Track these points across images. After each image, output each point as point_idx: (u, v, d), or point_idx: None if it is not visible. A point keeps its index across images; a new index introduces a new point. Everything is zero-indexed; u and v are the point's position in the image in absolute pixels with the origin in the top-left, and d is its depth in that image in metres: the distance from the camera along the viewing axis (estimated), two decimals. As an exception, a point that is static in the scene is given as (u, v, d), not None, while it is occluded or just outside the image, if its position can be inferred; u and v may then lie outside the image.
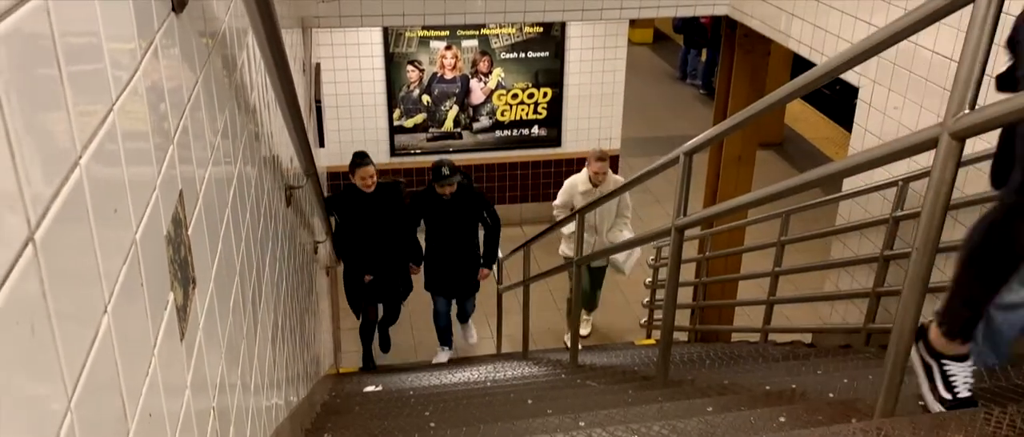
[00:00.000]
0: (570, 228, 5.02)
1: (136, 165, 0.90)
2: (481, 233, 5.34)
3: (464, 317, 5.84)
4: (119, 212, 0.82)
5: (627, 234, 5.42)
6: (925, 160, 3.06)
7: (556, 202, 5.58)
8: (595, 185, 5.32)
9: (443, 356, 5.79)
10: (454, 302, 5.69)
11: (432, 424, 2.73)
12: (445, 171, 4.91)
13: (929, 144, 1.62)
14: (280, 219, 2.51)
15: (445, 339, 5.80)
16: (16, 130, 0.59)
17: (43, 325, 0.61)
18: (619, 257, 5.55)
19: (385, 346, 5.75)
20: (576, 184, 5.42)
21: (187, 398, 1.09)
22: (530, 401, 3.14)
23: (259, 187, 2.05)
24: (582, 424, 2.42)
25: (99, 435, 0.73)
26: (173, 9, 1.14)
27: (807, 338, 4.49)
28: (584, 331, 6.03)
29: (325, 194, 4.78)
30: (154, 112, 1.00)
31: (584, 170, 5.43)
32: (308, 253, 3.58)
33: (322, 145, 5.59)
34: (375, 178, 4.82)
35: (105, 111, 0.80)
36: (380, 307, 5.50)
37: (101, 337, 0.74)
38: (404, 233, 5.18)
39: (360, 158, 4.83)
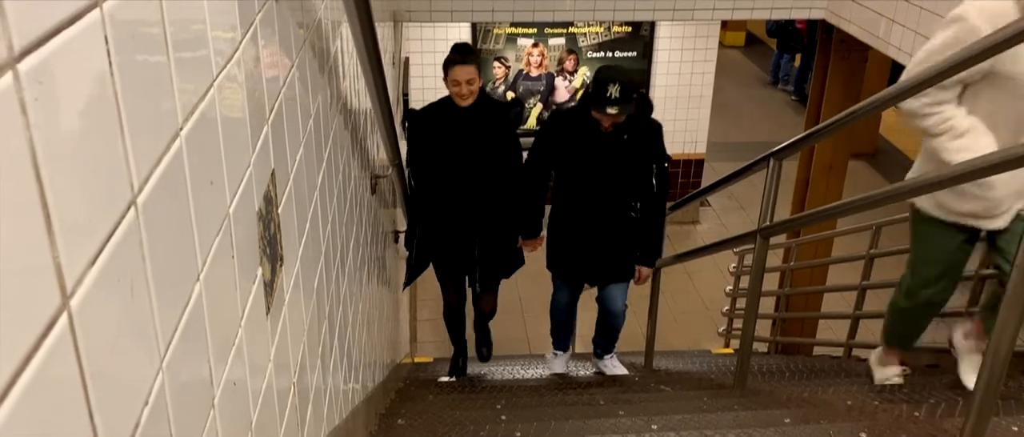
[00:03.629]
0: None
1: (232, 142, 0.93)
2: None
3: (609, 335, 4.01)
4: (215, 184, 0.86)
5: None
6: (1030, 176, 2.91)
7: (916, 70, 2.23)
8: None
9: (558, 363, 4.24)
10: (596, 300, 3.89)
11: (503, 417, 2.75)
12: (612, 92, 3.04)
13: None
14: (365, 206, 2.56)
15: (561, 339, 4.19)
16: (125, 99, 0.61)
17: (141, 286, 0.64)
18: None
19: (484, 349, 4.23)
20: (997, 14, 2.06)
21: (270, 372, 1.12)
22: (602, 402, 3.12)
23: (346, 173, 2.10)
24: (655, 427, 2.39)
25: (186, 396, 0.76)
26: (273, -6, 1.17)
27: (893, 356, 4.33)
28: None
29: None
30: (251, 92, 1.03)
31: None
32: (389, 241, 3.64)
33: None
34: (476, 85, 3.29)
35: (206, 87, 0.84)
36: (465, 288, 3.92)
37: (193, 303, 0.77)
38: (513, 182, 3.50)
39: (460, 52, 3.32)
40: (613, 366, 4.18)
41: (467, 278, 3.84)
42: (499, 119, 3.49)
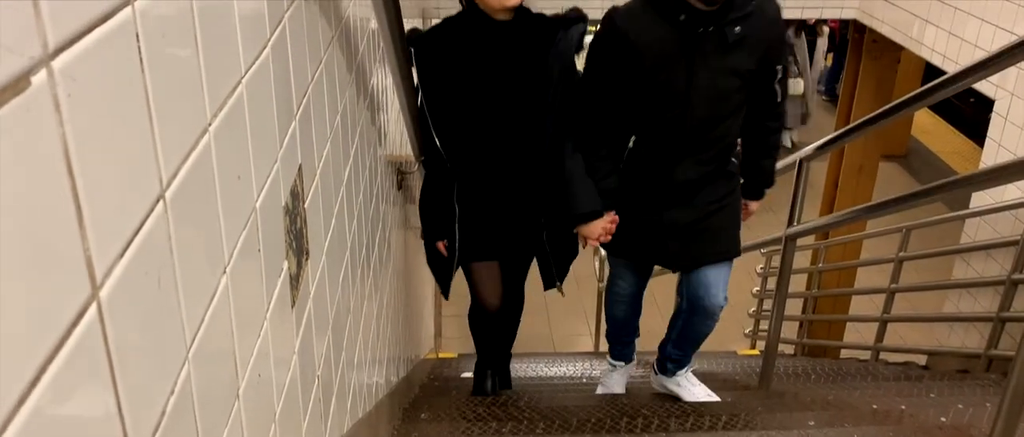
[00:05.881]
0: None
1: (260, 137, 0.94)
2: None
3: (691, 343, 2.83)
4: (242, 179, 0.87)
5: None
6: (1064, 180, 2.86)
7: None
8: None
9: (616, 379, 3.11)
10: (679, 293, 2.73)
11: (526, 414, 2.75)
12: None
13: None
14: (391, 202, 2.57)
15: (623, 345, 3.04)
16: (155, 95, 0.63)
17: (168, 279, 0.66)
18: None
19: (501, 377, 3.27)
20: None
21: (294, 364, 1.13)
22: (625, 401, 3.11)
23: (373, 169, 2.11)
24: (675, 427, 2.39)
25: (212, 387, 0.77)
26: (302, -9, 1.18)
27: (921, 360, 4.29)
28: None
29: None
30: (280, 88, 1.05)
31: None
32: (414, 237, 3.66)
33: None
34: None
35: (234, 83, 0.85)
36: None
37: (219, 296, 0.79)
38: (560, 121, 2.42)
39: None
40: (691, 386, 2.97)
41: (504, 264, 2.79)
42: (553, 41, 2.37)
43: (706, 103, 2.23)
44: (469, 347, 5.51)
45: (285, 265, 1.07)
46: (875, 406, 2.65)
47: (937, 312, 4.39)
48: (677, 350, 2.90)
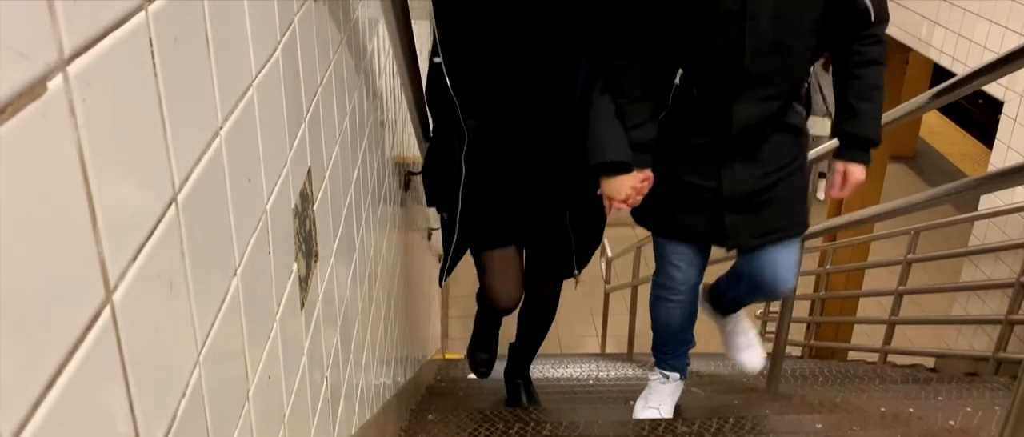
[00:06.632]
0: None
1: (270, 139, 0.95)
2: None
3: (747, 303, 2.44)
4: (252, 182, 0.87)
5: None
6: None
7: None
8: None
9: (665, 396, 2.47)
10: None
11: (533, 415, 2.75)
12: None
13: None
14: (398, 203, 2.58)
15: (674, 352, 2.44)
16: (167, 99, 0.63)
17: (180, 281, 0.66)
18: None
19: (524, 391, 2.91)
20: None
21: (303, 366, 1.14)
22: (631, 402, 3.11)
23: (381, 171, 2.12)
24: (682, 429, 2.39)
25: (223, 388, 0.77)
26: (312, -6, 1.19)
27: (929, 362, 4.28)
28: None
29: None
30: (289, 90, 1.05)
31: None
32: (422, 238, 3.67)
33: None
34: None
35: (245, 86, 0.85)
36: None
37: (230, 298, 0.79)
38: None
39: None
40: (748, 336, 2.59)
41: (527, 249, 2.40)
42: None
43: (771, 20, 1.80)
44: (476, 348, 5.51)
45: (295, 267, 1.07)
46: (883, 409, 2.64)
47: (945, 314, 4.38)
48: (734, 295, 2.42)
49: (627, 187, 2.01)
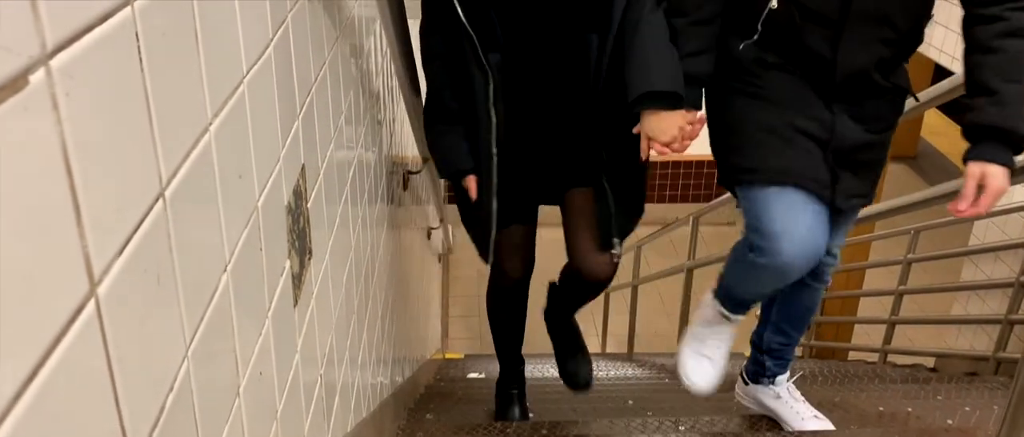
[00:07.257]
0: None
1: (262, 136, 0.95)
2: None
3: (796, 325, 2.22)
4: (243, 178, 0.87)
5: None
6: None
7: None
8: None
9: (719, 345, 2.18)
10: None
11: (531, 414, 2.75)
12: None
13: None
14: (396, 202, 2.58)
15: (741, 306, 2.05)
16: (154, 95, 0.63)
17: (168, 276, 0.66)
18: None
19: (581, 367, 2.51)
20: None
21: (296, 363, 1.14)
22: (631, 402, 3.11)
23: (378, 169, 2.12)
24: (682, 428, 2.39)
25: (212, 384, 0.78)
26: (306, -8, 1.19)
27: (929, 362, 4.28)
28: None
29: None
30: (282, 87, 1.05)
31: None
32: (421, 237, 3.67)
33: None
34: None
35: (236, 82, 0.85)
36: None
37: (220, 294, 0.79)
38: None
39: None
40: (795, 403, 2.26)
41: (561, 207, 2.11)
42: None
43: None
44: (475, 347, 5.48)
45: (288, 264, 1.07)
46: (882, 408, 2.64)
47: (945, 314, 4.38)
48: (779, 337, 2.15)
49: (675, 126, 1.66)
